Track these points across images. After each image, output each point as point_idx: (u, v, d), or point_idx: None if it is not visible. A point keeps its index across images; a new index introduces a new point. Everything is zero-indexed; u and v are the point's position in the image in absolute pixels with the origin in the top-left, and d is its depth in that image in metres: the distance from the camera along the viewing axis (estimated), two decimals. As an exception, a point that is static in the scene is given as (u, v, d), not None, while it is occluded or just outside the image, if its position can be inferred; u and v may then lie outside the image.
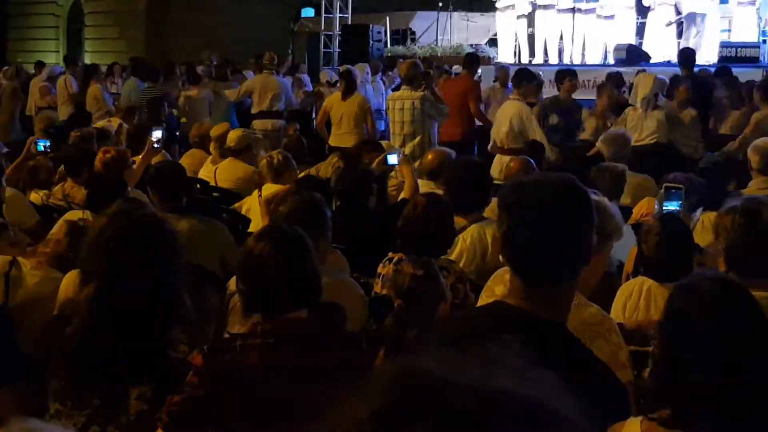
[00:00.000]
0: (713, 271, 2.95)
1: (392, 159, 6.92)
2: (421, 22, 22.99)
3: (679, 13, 17.28)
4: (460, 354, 1.03)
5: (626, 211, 6.40)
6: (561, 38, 18.67)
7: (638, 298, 4.16)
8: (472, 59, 12.72)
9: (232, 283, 4.40)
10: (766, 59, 16.42)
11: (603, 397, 2.44)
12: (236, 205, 7.33)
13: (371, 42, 20.65)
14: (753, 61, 15.68)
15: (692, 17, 17.00)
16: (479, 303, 3.78)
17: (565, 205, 2.46)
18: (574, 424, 0.98)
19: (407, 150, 9.07)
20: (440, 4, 21.18)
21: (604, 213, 3.43)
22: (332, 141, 10.82)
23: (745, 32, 17.04)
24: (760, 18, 17.21)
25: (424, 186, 6.83)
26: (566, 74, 11.45)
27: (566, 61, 18.40)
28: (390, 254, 4.97)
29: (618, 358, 3.18)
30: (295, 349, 3.12)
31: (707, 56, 16.38)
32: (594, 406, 2.18)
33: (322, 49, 21.92)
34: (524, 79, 10.34)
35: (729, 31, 17.60)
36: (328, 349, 3.15)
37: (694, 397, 2.26)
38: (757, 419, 2.28)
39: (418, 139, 9.72)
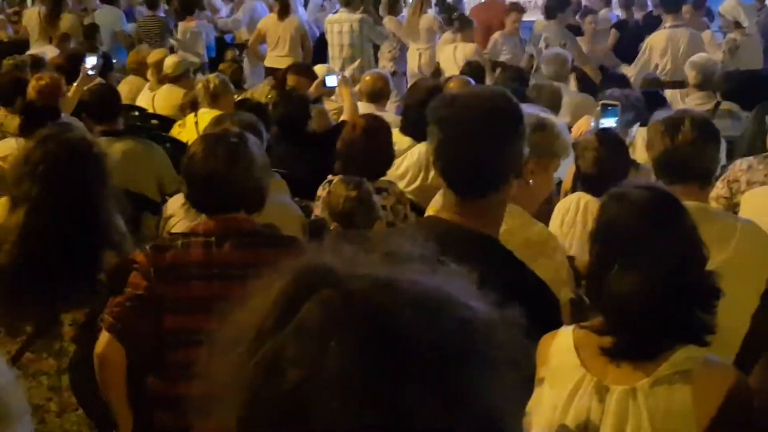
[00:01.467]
0: (644, 181, 2.96)
1: (330, 81, 6.85)
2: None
3: None
4: (362, 249, 1.02)
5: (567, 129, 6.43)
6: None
7: (575, 214, 4.19)
8: None
9: (169, 207, 4.37)
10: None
11: (533, 307, 2.45)
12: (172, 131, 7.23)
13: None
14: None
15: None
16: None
17: (496, 118, 2.47)
18: (477, 311, 0.97)
19: (347, 73, 8.99)
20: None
21: (551, 131, 3.44)
22: (268, 62, 10.65)
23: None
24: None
25: (364, 108, 6.78)
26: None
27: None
28: (330, 177, 4.94)
29: (561, 275, 3.21)
30: (236, 246, 3.17)
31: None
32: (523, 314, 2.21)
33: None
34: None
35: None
36: (268, 246, 3.17)
37: (624, 305, 2.28)
38: (683, 326, 2.31)
39: (357, 62, 9.62)
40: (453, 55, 9.75)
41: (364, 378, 0.88)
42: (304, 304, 0.92)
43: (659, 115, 3.46)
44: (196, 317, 2.95)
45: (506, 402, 0.96)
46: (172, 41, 11.54)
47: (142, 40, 11.69)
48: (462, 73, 8.26)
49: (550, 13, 10.07)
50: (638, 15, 12.25)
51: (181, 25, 12.10)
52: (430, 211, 3.32)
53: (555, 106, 6.42)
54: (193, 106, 7.10)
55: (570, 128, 6.43)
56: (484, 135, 2.43)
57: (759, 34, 10.31)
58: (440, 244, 2.38)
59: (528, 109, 2.74)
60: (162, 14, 12.50)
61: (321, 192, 4.90)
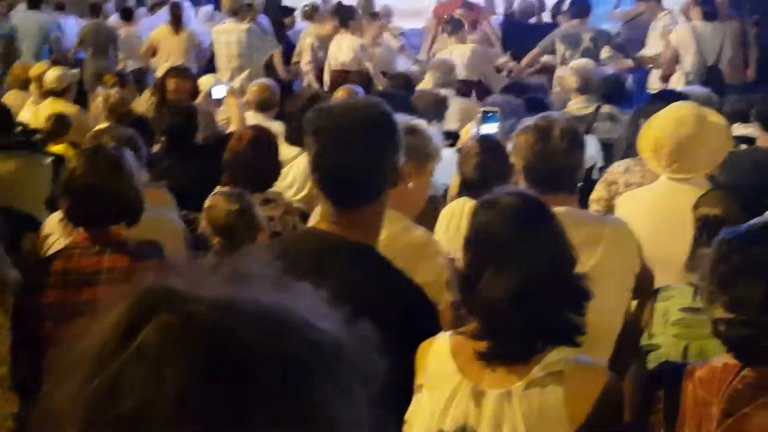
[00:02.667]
0: (514, 187, 3.02)
1: (217, 92, 6.82)
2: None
3: None
4: (208, 269, 1.02)
5: (454, 136, 6.51)
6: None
7: (459, 219, 4.23)
8: None
9: (47, 226, 4.30)
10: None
11: (411, 314, 2.50)
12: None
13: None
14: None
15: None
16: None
17: (370, 128, 2.50)
18: (323, 330, 0.97)
19: (236, 84, 8.94)
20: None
21: (422, 135, 3.50)
22: (160, 74, 10.47)
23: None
24: None
25: (252, 119, 6.77)
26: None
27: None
28: (218, 188, 4.91)
29: (442, 279, 3.25)
30: (114, 256, 3.20)
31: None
32: (398, 323, 2.24)
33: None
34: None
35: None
36: (146, 257, 3.20)
37: (496, 309, 2.32)
38: (555, 328, 2.37)
39: (246, 72, 9.58)
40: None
41: (201, 403, 0.88)
42: (143, 328, 0.92)
43: (526, 121, 3.52)
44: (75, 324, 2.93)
45: (358, 419, 0.97)
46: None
47: (87, 47, 11.55)
48: (349, 81, 8.30)
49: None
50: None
51: (123, 30, 12.00)
52: (311, 222, 3.34)
53: (439, 114, 6.51)
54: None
55: (458, 134, 6.56)
56: (359, 145, 2.46)
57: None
58: (318, 256, 2.44)
59: (401, 117, 2.77)
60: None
61: (207, 204, 4.87)
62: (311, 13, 11.94)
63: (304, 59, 10.54)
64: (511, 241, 2.37)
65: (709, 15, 9.32)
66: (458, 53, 9.64)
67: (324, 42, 10.47)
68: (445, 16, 10.55)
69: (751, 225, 2.46)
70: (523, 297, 2.31)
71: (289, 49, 11.10)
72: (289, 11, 12.66)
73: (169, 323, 0.92)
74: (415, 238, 3.24)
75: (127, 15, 12.66)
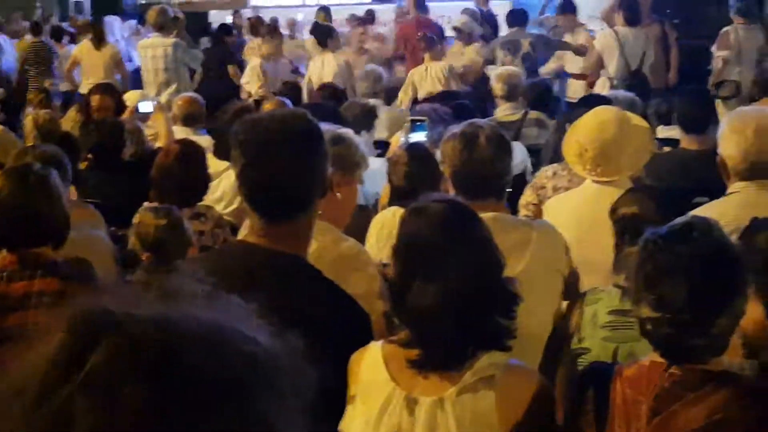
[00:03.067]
0: (441, 194, 3.04)
1: (144, 107, 6.77)
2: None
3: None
4: (142, 288, 1.02)
5: (384, 145, 6.55)
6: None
7: (390, 228, 4.24)
8: None
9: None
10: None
11: (344, 324, 2.50)
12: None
13: (124, -10, 19.95)
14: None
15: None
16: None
17: (295, 139, 2.50)
18: (259, 344, 0.98)
19: (163, 98, 8.88)
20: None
21: (351, 143, 3.51)
22: (83, 90, 10.36)
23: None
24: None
25: (180, 132, 6.73)
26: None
27: (323, 1, 18.40)
28: (146, 204, 4.87)
29: (374, 288, 3.26)
30: (45, 279, 3.18)
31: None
32: (330, 334, 2.24)
33: (72, 0, 21.01)
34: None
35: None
36: (78, 278, 3.15)
37: (427, 316, 2.34)
38: (485, 333, 2.38)
39: (173, 86, 9.53)
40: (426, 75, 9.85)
41: (156, 426, 0.88)
42: (89, 353, 0.91)
43: (453, 128, 3.54)
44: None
45: (294, 429, 0.98)
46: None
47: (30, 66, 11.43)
48: (279, 93, 8.30)
49: None
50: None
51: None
52: (240, 235, 3.33)
53: (368, 123, 6.53)
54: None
55: (388, 143, 6.59)
56: (284, 157, 2.45)
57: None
58: (248, 269, 2.43)
59: (328, 128, 2.78)
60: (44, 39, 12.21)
61: (136, 220, 4.83)
62: (257, 26, 11.87)
63: (254, 86, 10.29)
64: (439, 249, 2.39)
65: (632, 20, 9.46)
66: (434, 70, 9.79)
67: (270, 59, 10.43)
68: (419, 34, 10.64)
69: (674, 224, 2.50)
70: (453, 304, 2.32)
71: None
72: (229, 29, 12.63)
73: (118, 348, 0.91)
74: (345, 249, 3.25)
75: (56, 35, 12.61)
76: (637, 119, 4.22)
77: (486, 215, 2.82)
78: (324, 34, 10.19)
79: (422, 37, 10.20)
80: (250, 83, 10.25)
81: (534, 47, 10.47)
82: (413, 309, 2.37)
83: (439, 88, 9.29)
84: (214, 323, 0.96)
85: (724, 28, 9.42)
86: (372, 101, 7.34)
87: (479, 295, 2.36)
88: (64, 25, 14.11)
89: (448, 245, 2.39)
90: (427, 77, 9.54)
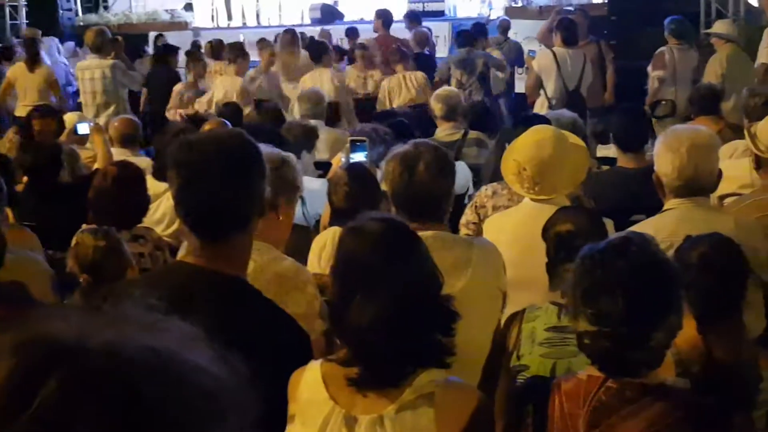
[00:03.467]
0: (379, 213, 3.04)
1: (82, 129, 6.71)
2: (113, -13, 22.25)
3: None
4: (91, 314, 1.00)
5: (325, 166, 6.54)
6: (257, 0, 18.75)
7: (331, 248, 4.24)
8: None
9: None
10: (451, 13, 17.14)
11: (283, 346, 2.49)
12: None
13: (60, 11, 19.75)
14: (439, 14, 16.32)
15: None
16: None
17: (232, 160, 2.49)
18: (211, 373, 0.97)
19: (102, 120, 8.82)
20: (132, -30, 20.59)
21: (293, 165, 3.51)
22: (18, 112, 10.32)
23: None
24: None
25: (118, 154, 6.68)
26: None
27: (264, 22, 18.49)
28: (84, 226, 4.82)
29: (313, 308, 3.26)
30: None
31: (396, 11, 16.91)
32: (270, 355, 2.24)
33: (8, 21, 20.78)
34: (239, 55, 10.31)
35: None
36: (14, 302, 3.13)
37: (366, 335, 2.34)
38: (424, 351, 2.39)
39: (112, 108, 9.48)
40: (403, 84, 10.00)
41: None
42: (39, 385, 0.88)
43: (396, 149, 3.54)
44: None
45: None
46: None
47: None
48: (220, 114, 8.26)
49: None
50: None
51: None
52: (179, 256, 3.31)
53: (309, 144, 6.53)
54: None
55: (329, 164, 6.59)
56: (221, 178, 2.44)
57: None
58: (187, 290, 2.41)
59: (266, 149, 2.77)
60: None
61: (74, 242, 4.78)
62: (218, 49, 11.78)
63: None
64: (377, 267, 2.39)
65: (569, 41, 9.58)
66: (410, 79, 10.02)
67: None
68: (394, 46, 10.75)
69: (611, 240, 2.54)
70: (391, 322, 2.33)
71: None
72: (174, 49, 12.56)
73: (69, 381, 0.89)
74: (283, 268, 3.24)
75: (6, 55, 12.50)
76: (573, 138, 4.27)
77: (427, 234, 2.83)
78: (320, 50, 10.31)
79: (397, 50, 10.30)
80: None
81: (488, 67, 10.63)
82: (352, 327, 2.37)
83: (413, 95, 9.49)
84: (167, 353, 0.95)
85: (659, 49, 9.58)
86: (313, 122, 7.34)
87: (417, 313, 2.37)
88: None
89: (385, 264, 2.40)
90: (402, 87, 9.74)
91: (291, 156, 3.62)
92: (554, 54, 9.51)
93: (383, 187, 4.91)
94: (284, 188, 3.31)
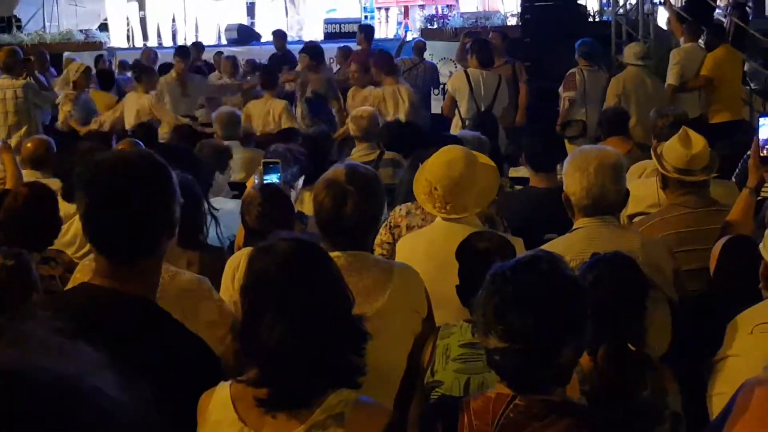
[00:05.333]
0: (290, 233, 3.04)
1: (-9, 149, 6.59)
2: (26, 8, 21.92)
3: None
4: None
5: (241, 186, 6.51)
6: (174, 20, 18.66)
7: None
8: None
9: None
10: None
11: (192, 368, 2.48)
12: None
13: (-29, 31, 19.47)
14: (356, 35, 16.37)
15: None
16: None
17: (142, 181, 2.46)
18: (112, 398, 0.96)
19: (13, 141, 8.68)
20: (44, -12, 20.34)
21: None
22: None
23: (349, 9, 17.81)
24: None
25: (30, 176, 6.57)
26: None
27: (180, 42, 18.38)
28: (-6, 248, 4.74)
29: (225, 313, 3.28)
30: None
31: (314, 33, 17.07)
32: (179, 377, 2.22)
33: None
34: (144, 73, 10.43)
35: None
36: None
37: (275, 355, 2.34)
38: (335, 371, 2.40)
39: (24, 128, 9.34)
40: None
41: None
42: None
43: (326, 174, 3.50)
44: None
45: None
46: None
47: None
48: (132, 134, 8.20)
49: None
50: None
51: None
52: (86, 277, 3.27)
53: (222, 164, 6.50)
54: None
55: (244, 184, 6.56)
56: (129, 199, 2.41)
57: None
58: (93, 313, 2.38)
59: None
60: None
61: (-18, 266, 4.69)
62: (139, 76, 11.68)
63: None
64: (286, 286, 2.40)
65: (485, 62, 9.71)
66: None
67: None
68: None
69: (521, 257, 2.57)
70: (300, 342, 2.33)
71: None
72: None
73: None
74: (185, 282, 3.25)
75: None
76: (483, 158, 4.32)
77: (345, 255, 2.83)
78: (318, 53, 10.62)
79: (386, 63, 10.36)
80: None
81: None
82: (261, 347, 2.36)
83: (405, 108, 9.60)
84: (69, 377, 0.94)
85: (570, 70, 9.75)
86: (228, 142, 7.31)
87: (327, 333, 2.37)
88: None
89: (294, 283, 2.40)
90: (390, 99, 9.79)
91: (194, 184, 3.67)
92: (467, 75, 9.62)
93: (298, 207, 4.93)
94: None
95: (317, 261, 2.49)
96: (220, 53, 14.21)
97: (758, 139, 4.20)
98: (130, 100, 10.21)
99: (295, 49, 13.38)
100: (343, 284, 2.49)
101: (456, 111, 9.64)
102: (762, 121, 4.21)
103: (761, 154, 4.19)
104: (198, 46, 14.41)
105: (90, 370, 0.98)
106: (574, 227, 3.98)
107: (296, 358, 2.32)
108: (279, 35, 13.95)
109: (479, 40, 10.27)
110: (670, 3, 11.94)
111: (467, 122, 9.24)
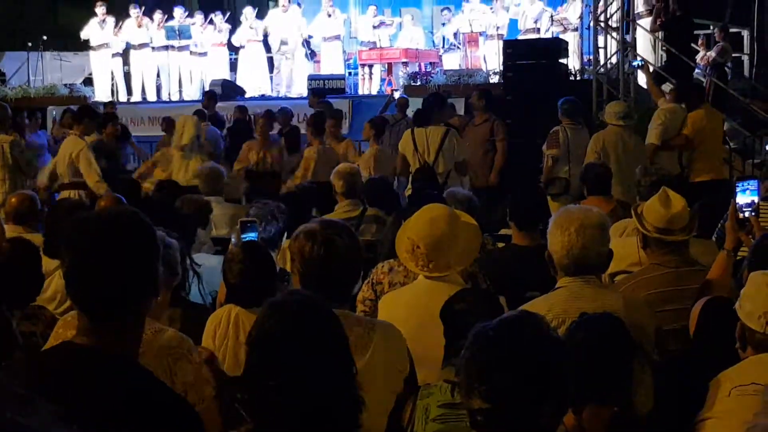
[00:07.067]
0: (298, 291, 3.05)
1: (-26, 205, 6.58)
2: (11, 62, 22.01)
3: (268, 49, 18.04)
4: None
5: (224, 241, 6.51)
6: (158, 75, 18.75)
7: (227, 326, 4.22)
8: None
9: None
10: (352, 90, 17.41)
11: (172, 427, 2.46)
12: None
13: (-43, 86, 19.54)
14: (340, 92, 16.53)
15: (282, 54, 17.78)
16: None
17: (125, 240, 2.45)
18: None
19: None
20: (29, 44, 20.42)
21: (168, 250, 3.55)
22: None
23: (332, 65, 17.95)
24: (344, 51, 18.25)
25: (13, 231, 6.54)
26: (111, 119, 12.35)
27: (164, 97, 18.49)
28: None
29: (203, 375, 3.26)
30: None
31: (298, 89, 17.22)
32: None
33: None
34: (86, 115, 10.22)
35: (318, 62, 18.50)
36: None
37: (276, 411, 2.34)
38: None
39: (8, 183, 9.33)
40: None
41: None
42: None
43: (305, 227, 3.52)
44: None
45: None
46: None
47: None
48: (115, 189, 8.19)
49: None
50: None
51: None
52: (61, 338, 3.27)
53: (204, 220, 6.49)
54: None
55: (227, 240, 6.56)
56: (112, 260, 2.41)
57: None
58: (72, 373, 2.37)
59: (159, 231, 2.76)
60: None
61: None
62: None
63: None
64: (295, 346, 2.41)
65: (419, 123, 10.14)
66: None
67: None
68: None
69: (504, 318, 2.57)
70: (302, 402, 2.35)
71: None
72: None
73: None
74: (167, 339, 3.25)
75: None
76: (465, 216, 4.34)
77: (340, 312, 2.82)
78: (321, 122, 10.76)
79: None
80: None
81: None
82: (261, 401, 2.37)
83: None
84: (31, 428, 0.95)
85: (554, 128, 9.83)
86: (209, 198, 7.31)
87: (328, 395, 2.39)
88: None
89: (302, 344, 2.42)
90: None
91: (173, 242, 3.68)
92: (412, 133, 10.06)
93: (280, 264, 4.93)
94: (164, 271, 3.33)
95: (326, 322, 2.51)
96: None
97: (735, 203, 4.29)
98: (65, 143, 10.03)
99: (279, 104, 13.57)
100: (348, 348, 2.51)
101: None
102: (739, 185, 4.29)
103: (738, 217, 4.28)
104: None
105: (53, 424, 0.98)
106: (557, 286, 4.00)
107: (294, 416, 2.33)
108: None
109: (426, 99, 10.72)
110: (648, 67, 12.07)
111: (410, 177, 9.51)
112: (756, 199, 4.29)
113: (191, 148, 10.26)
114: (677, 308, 4.30)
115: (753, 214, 4.28)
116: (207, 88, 17.51)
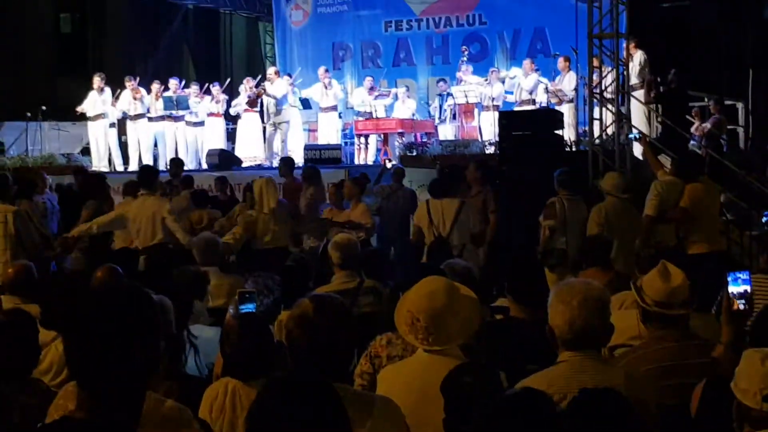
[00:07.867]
0: (302, 371, 3.04)
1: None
2: (10, 132, 22.14)
3: (263, 119, 18.21)
4: None
5: (221, 312, 6.47)
6: (155, 145, 18.85)
7: (224, 399, 4.19)
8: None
9: None
10: (348, 160, 17.51)
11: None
12: None
13: (-42, 155, 19.62)
14: (336, 162, 16.61)
15: (277, 125, 17.93)
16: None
17: (125, 315, 2.46)
18: None
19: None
20: (29, 114, 20.54)
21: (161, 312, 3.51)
22: None
23: (328, 135, 18.09)
24: (341, 116, 18.47)
25: (9, 302, 6.52)
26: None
27: (162, 167, 18.55)
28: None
29: None
30: None
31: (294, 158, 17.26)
32: None
33: None
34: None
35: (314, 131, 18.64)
36: None
37: None
38: None
39: (9, 254, 9.35)
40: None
41: None
42: None
43: (293, 310, 3.52)
44: None
45: None
46: None
47: None
48: (111, 259, 8.18)
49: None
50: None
51: None
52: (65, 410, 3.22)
53: (200, 291, 6.46)
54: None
55: (223, 310, 6.52)
56: (112, 337, 2.41)
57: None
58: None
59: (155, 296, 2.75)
60: None
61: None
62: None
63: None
64: (298, 423, 2.39)
65: (435, 194, 10.34)
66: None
67: None
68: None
69: (507, 395, 2.57)
70: None
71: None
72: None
73: None
74: (167, 410, 3.21)
75: None
76: (465, 289, 4.31)
77: (341, 386, 2.79)
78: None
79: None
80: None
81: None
82: None
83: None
84: None
85: (551, 199, 9.86)
86: (205, 268, 7.29)
87: None
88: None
89: (306, 420, 2.41)
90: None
91: (165, 300, 3.65)
92: (427, 204, 10.21)
93: (277, 336, 4.90)
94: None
95: (329, 399, 2.49)
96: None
97: (728, 294, 4.22)
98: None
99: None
100: (349, 427, 2.49)
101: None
102: (731, 275, 4.23)
103: (732, 309, 4.21)
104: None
105: None
106: (558, 360, 3.97)
107: None
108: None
109: (440, 170, 10.79)
110: (645, 140, 12.12)
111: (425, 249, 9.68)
112: (749, 288, 4.21)
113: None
114: (679, 383, 4.26)
115: (746, 305, 4.21)
116: (204, 158, 17.61)
